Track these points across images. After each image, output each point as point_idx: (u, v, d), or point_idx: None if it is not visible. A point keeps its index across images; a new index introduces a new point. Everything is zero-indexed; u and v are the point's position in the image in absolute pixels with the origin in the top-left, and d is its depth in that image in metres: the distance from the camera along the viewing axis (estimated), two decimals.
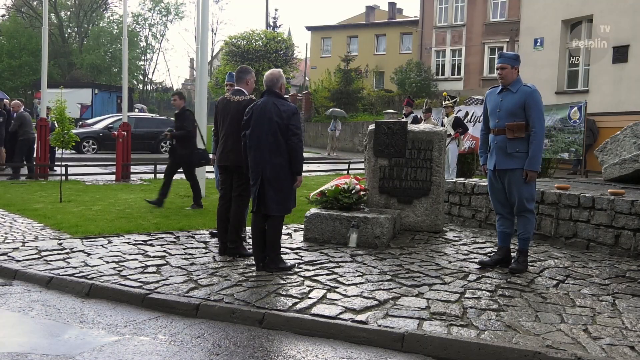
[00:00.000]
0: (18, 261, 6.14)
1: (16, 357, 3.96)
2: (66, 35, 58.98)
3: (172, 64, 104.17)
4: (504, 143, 5.78)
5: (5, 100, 15.54)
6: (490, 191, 6.22)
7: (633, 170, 8.67)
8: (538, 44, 17.72)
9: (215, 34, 57.75)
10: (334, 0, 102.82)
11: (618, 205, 6.79)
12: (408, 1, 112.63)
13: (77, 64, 54.46)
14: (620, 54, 15.32)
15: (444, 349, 4.06)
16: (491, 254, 6.42)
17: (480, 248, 7.03)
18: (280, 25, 47.68)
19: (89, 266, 5.91)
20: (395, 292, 5.08)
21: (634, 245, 6.65)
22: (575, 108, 13.95)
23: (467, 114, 15.88)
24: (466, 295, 5.06)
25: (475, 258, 6.45)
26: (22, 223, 8.23)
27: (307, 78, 46.94)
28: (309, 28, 50.66)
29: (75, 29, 60.54)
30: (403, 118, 14.07)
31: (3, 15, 60.06)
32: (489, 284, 5.43)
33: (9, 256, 6.34)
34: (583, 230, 7.17)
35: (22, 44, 51.77)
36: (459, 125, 12.88)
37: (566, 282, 5.60)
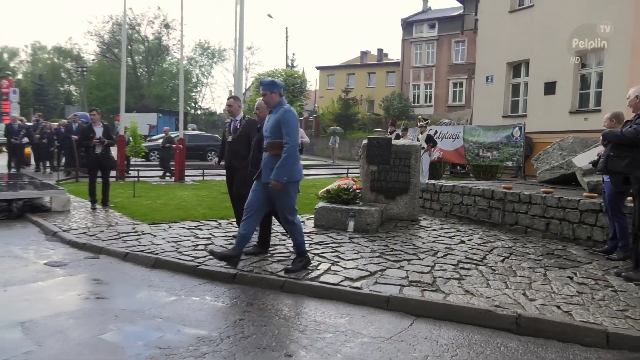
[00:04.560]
0: (103, 240, 6.18)
1: (103, 310, 3.98)
2: (138, 73, 59.14)
3: (216, 95, 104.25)
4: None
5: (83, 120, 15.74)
6: None
7: (559, 174, 8.65)
8: (489, 80, 17.59)
9: (247, 71, 57.64)
10: (336, 46, 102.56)
11: (548, 200, 6.76)
12: (392, 47, 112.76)
13: (146, 95, 54.67)
14: (550, 88, 15.24)
15: (419, 308, 4.04)
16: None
17: (446, 232, 7.01)
18: (296, 65, 47.54)
19: (155, 245, 5.93)
20: (382, 266, 5.07)
21: (559, 231, 6.62)
22: (517, 128, 13.88)
23: (436, 132, 15.81)
24: (435, 268, 5.04)
25: (442, 241, 6.42)
26: (106, 212, 8.27)
27: (316, 105, 46.83)
28: (318, 67, 50.54)
29: (145, 69, 60.78)
30: (388, 135, 14.03)
31: (93, 60, 60.49)
32: (453, 259, 5.41)
33: (96, 237, 6.39)
34: (522, 219, 7.13)
35: (106, 80, 52.26)
36: (430, 141, 12.82)
37: (510, 258, 5.57)
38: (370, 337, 3.57)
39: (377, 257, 5.44)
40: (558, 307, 3.95)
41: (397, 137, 13.16)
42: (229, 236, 6.45)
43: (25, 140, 15.31)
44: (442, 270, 4.97)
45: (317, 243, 6.06)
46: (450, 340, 3.56)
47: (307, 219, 7.64)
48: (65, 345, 3.32)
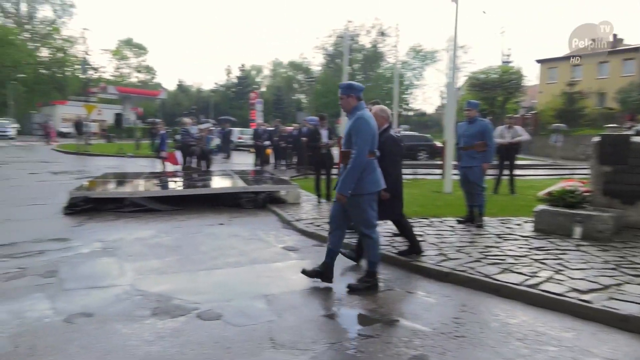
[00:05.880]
0: (327, 230, 6.68)
1: (327, 292, 4.34)
2: (356, 80, 62.87)
3: (427, 96, 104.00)
4: None
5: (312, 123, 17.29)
6: None
7: None
8: None
9: (459, 70, 55.96)
10: (558, 37, 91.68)
11: None
12: (630, 31, 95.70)
13: (363, 99, 57.60)
14: None
15: None
16: None
17: None
18: (512, 61, 44.19)
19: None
20: (618, 280, 4.33)
21: None
22: None
23: None
24: None
25: None
26: (330, 206, 8.96)
27: (534, 101, 42.75)
28: (538, 61, 46.05)
29: (363, 75, 64.22)
30: (626, 131, 11.94)
31: (319, 70, 66.51)
32: None
33: (322, 227, 6.90)
34: None
35: (330, 88, 57.06)
36: None
37: None
38: (604, 358, 3.10)
39: (611, 269, 4.68)
40: None
41: (638, 133, 11.13)
42: (440, 234, 6.35)
43: (267, 142, 17.72)
44: None
45: (538, 248, 5.51)
46: None
47: (525, 222, 7.03)
48: (298, 319, 3.73)
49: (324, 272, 4.49)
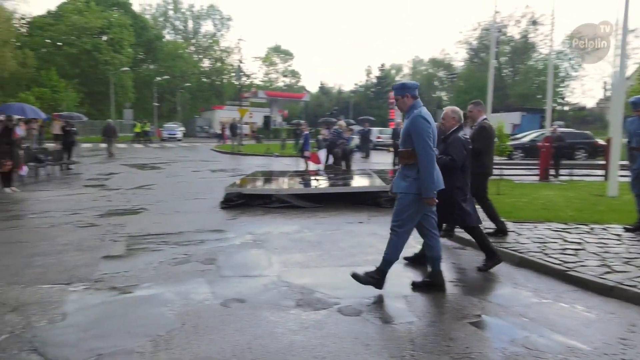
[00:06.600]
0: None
1: (467, 297, 4.15)
2: (503, 74, 58.88)
3: (586, 88, 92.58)
4: None
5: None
6: None
7: None
8: None
9: (629, 58, 48.97)
10: None
11: None
12: None
13: (510, 94, 53.93)
14: None
15: None
16: None
17: None
18: None
19: (519, 243, 5.77)
20: None
21: None
22: None
23: None
24: None
25: None
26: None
27: None
28: None
29: (510, 69, 60.00)
30: None
31: (462, 66, 63.87)
32: None
33: (461, 230, 6.62)
34: None
35: (473, 84, 54.39)
36: None
37: None
38: None
39: None
40: None
41: None
42: (603, 243, 5.65)
43: None
44: None
45: None
46: None
47: None
48: (438, 323, 3.63)
49: (432, 282, 4.37)
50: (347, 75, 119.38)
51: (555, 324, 3.59)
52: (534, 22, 56.25)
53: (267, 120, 44.10)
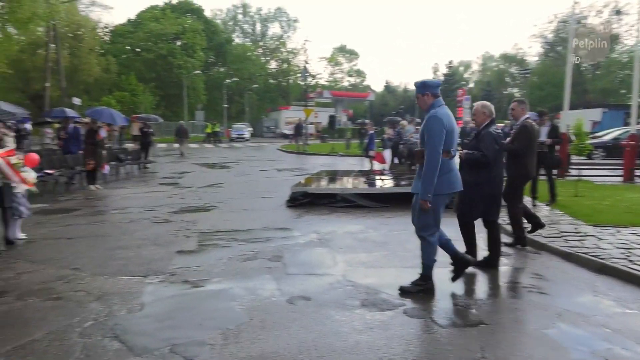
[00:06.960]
0: (545, 237, 6.07)
1: (545, 305, 3.94)
2: (582, 68, 55.33)
3: None
4: None
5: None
6: None
7: None
8: None
9: None
10: None
11: None
12: None
13: (590, 90, 50.55)
14: None
15: None
16: None
17: None
18: None
19: (600, 249, 5.40)
20: None
21: None
22: None
23: None
24: None
25: None
26: (546, 210, 8.14)
27: None
28: None
29: (590, 63, 56.27)
30: None
31: (536, 61, 60.74)
32: None
33: (538, 233, 6.21)
34: None
35: (548, 79, 51.52)
36: None
37: None
38: None
39: None
40: None
41: None
42: None
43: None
44: None
45: None
46: None
47: None
48: (511, 331, 3.48)
49: (461, 261, 4.40)
50: (414, 74, 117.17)
51: None
52: (618, 12, 52.30)
53: (332, 120, 44.36)
